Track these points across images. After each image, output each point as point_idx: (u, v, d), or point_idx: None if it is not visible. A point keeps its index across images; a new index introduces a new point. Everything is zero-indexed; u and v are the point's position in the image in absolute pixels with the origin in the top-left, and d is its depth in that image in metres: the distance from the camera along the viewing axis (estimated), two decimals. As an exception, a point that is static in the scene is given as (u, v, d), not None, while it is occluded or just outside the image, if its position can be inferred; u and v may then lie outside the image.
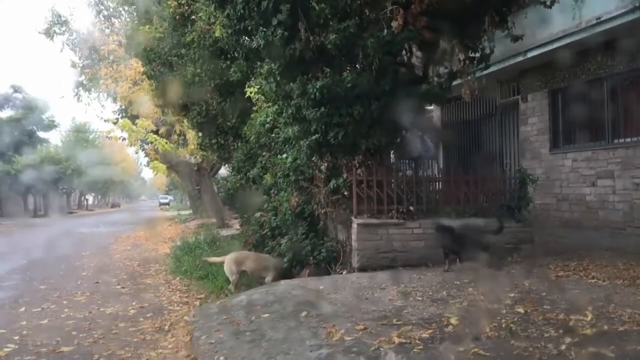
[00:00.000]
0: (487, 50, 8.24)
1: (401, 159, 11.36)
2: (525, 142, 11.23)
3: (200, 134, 17.94)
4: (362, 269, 7.81)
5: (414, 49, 7.58)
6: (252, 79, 11.51)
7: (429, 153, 11.40)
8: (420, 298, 5.75)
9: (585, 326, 4.37)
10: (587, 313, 4.67)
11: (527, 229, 8.52)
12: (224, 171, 27.82)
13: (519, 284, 6.15)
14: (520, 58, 10.28)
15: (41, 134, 44.69)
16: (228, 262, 8.76)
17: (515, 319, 4.64)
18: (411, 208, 8.25)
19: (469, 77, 8.25)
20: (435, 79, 8.59)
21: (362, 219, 8.09)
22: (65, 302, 8.29)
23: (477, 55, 8.23)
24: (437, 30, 7.42)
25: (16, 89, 37.24)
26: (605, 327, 4.33)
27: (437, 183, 9.45)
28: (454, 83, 8.56)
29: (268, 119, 10.92)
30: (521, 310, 4.93)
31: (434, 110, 13.90)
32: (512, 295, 5.60)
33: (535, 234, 8.69)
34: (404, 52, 8.07)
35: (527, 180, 8.77)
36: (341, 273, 8.14)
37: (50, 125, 45.17)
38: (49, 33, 25.75)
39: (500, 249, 7.74)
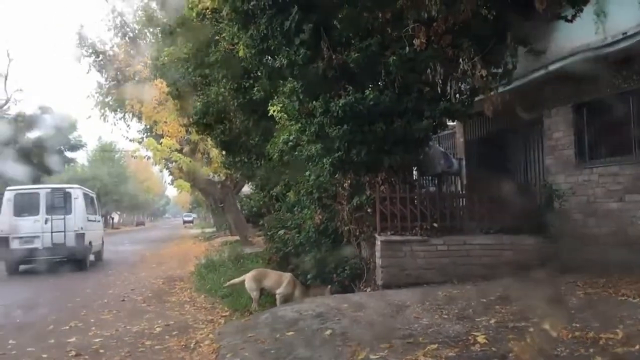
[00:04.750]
0: (510, 66, 8.22)
1: (424, 176, 11.32)
2: (549, 157, 11.11)
3: (224, 152, 18.13)
4: (387, 286, 7.77)
5: (437, 66, 7.59)
6: (275, 97, 11.62)
7: (452, 169, 11.34)
8: (446, 316, 5.70)
9: (616, 344, 4.29)
10: (617, 331, 4.58)
11: (553, 245, 8.40)
12: (247, 189, 28.03)
13: (546, 301, 6.06)
14: (543, 72, 10.21)
15: (68, 154, 45.54)
16: (248, 280, 8.81)
17: (544, 337, 4.57)
18: (435, 225, 8.21)
19: (492, 93, 8.23)
20: (457, 95, 8.58)
21: (385, 236, 8.08)
22: (92, 320, 8.39)
23: (500, 71, 8.22)
24: (459, 47, 7.44)
25: (44, 110, 38.05)
26: (637, 346, 4.24)
27: (460, 199, 9.40)
28: (476, 99, 8.54)
29: (291, 137, 11.00)
30: (549, 328, 4.85)
31: (456, 126, 13.85)
32: (540, 312, 5.52)
33: (562, 251, 8.56)
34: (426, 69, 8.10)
35: (553, 195, 8.67)
36: (365, 290, 8.11)
37: (77, 145, 46.02)
38: (76, 56, 26.39)
39: (527, 266, 7.65)
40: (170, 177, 31.75)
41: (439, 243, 8.04)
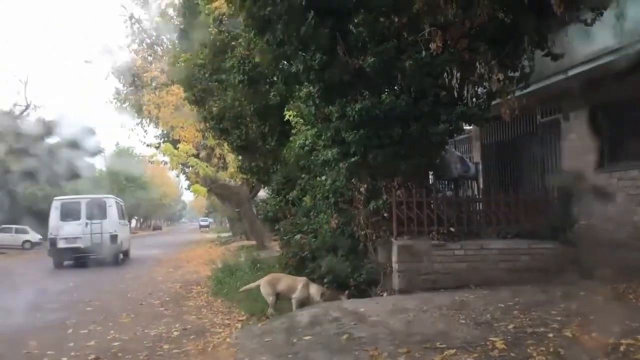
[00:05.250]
0: (527, 70, 8.17)
1: (440, 180, 11.27)
2: (568, 161, 11.01)
3: (240, 157, 18.22)
4: (403, 291, 7.74)
5: (453, 70, 7.57)
6: (291, 102, 11.67)
7: (468, 173, 11.28)
8: (463, 321, 5.67)
9: (637, 351, 4.24)
10: (638, 337, 4.53)
11: (571, 250, 8.32)
12: (262, 193, 28.11)
13: (565, 307, 6.00)
14: (562, 76, 10.13)
15: (87, 159, 46.00)
16: (263, 285, 8.75)
17: (564, 343, 4.53)
18: (452, 229, 8.17)
19: (509, 97, 8.18)
20: (474, 99, 8.55)
21: (402, 240, 8.06)
22: (110, 323, 8.46)
23: (517, 74, 8.18)
24: (475, 51, 7.42)
25: (64, 116, 38.64)
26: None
27: (477, 203, 9.34)
28: (493, 102, 8.50)
29: (307, 142, 11.02)
30: (569, 334, 4.81)
31: (472, 130, 13.79)
32: (559, 318, 5.47)
33: (581, 256, 8.47)
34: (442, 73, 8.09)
35: (571, 200, 8.58)
36: (382, 295, 8.09)
37: (96, 151, 46.48)
38: (94, 62, 26.70)
39: (545, 271, 7.59)
40: (187, 181, 31.98)
41: (456, 248, 7.99)
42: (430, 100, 7.78)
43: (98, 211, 19.60)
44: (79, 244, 19.00)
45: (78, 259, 19.25)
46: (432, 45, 7.17)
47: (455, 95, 8.30)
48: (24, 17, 73.51)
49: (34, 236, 35.57)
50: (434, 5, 7.04)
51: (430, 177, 10.15)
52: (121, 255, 20.86)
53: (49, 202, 20.47)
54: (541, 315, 5.71)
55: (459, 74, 8.19)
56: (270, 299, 8.59)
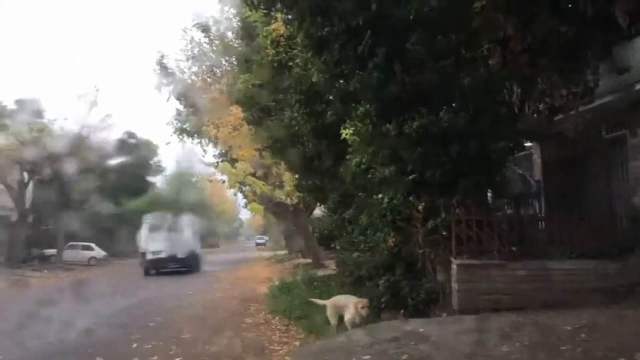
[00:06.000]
0: (591, 84, 7.95)
1: (501, 198, 11.04)
2: (635, 178, 10.58)
3: (296, 175, 18.37)
4: (463, 311, 7.58)
5: (513, 86, 7.45)
6: (348, 121, 11.71)
7: (530, 191, 11.00)
8: (527, 343, 5.50)
9: None
10: None
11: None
12: (318, 212, 28.18)
13: (635, 331, 5.74)
14: (628, 91, 9.79)
15: (149, 178, 47.42)
16: (329, 306, 8.61)
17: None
18: (513, 249, 7.97)
19: (572, 112, 7.98)
20: (535, 115, 8.37)
21: (461, 259, 7.91)
22: (173, 339, 8.64)
23: (580, 89, 7.96)
24: (536, 66, 7.28)
25: (130, 135, 40.00)
26: None
27: (540, 222, 9.08)
28: (555, 118, 8.29)
29: (363, 160, 11.00)
30: (641, 359, 4.59)
31: (533, 147, 13.45)
32: (629, 342, 5.23)
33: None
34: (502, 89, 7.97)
35: (638, 218, 8.22)
36: (441, 315, 7.94)
37: (158, 170, 47.88)
38: (157, 85, 27.59)
39: (612, 292, 7.28)
40: (244, 200, 32.45)
41: (518, 268, 7.78)
42: (489, 117, 7.68)
43: (179, 228, 24.29)
44: (163, 256, 23.38)
45: (162, 268, 23.37)
46: (492, 62, 7.11)
47: (516, 111, 8.15)
48: (88, 42, 77.13)
49: (99, 253, 36.89)
50: (493, 21, 6.98)
51: (490, 195, 9.95)
52: (196, 266, 24.94)
53: (113, 220, 23.27)
54: (610, 339, 5.47)
55: (519, 90, 8.04)
56: (333, 321, 8.43)
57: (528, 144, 11.81)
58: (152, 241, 23.81)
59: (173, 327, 9.86)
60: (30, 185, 33.22)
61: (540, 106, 8.25)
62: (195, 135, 28.61)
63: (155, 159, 45.92)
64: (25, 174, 31.77)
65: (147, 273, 23.70)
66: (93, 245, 37.12)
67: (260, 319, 10.71)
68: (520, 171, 11.31)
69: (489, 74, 7.28)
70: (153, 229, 24.49)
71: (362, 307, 7.99)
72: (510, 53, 7.16)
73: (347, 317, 8.13)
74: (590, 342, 5.43)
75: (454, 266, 7.88)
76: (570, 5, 6.99)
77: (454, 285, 7.82)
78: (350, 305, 8.26)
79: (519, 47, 7.08)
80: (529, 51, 7.18)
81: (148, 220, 24.70)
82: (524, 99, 8.16)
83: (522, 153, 12.99)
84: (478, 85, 7.40)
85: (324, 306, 8.77)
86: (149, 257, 23.69)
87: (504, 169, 9.11)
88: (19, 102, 31.60)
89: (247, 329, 9.62)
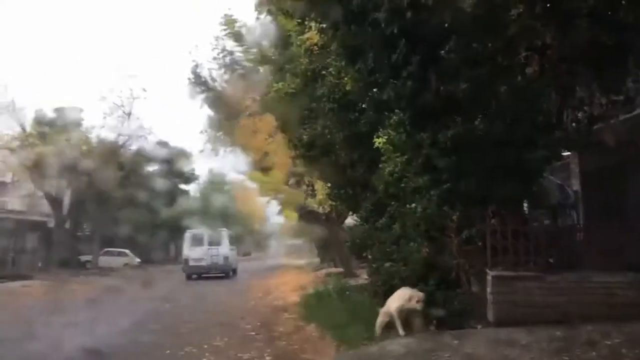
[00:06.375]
0: (632, 93, 7.75)
1: (537, 208, 10.83)
2: (679, 189, 10.26)
3: (329, 184, 18.36)
4: (498, 323, 7.44)
5: (551, 95, 7.31)
6: (381, 129, 11.67)
7: (567, 201, 10.77)
8: (567, 358, 5.37)
9: None
10: None
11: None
12: (350, 220, 28.10)
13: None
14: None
15: (183, 186, 48.04)
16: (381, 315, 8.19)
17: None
18: (550, 260, 7.80)
19: (612, 121, 7.79)
20: (573, 124, 8.19)
21: (497, 271, 7.77)
22: (205, 346, 8.68)
23: (621, 98, 7.77)
24: (575, 74, 7.13)
25: (163, 144, 40.62)
26: None
27: (578, 233, 8.87)
28: (595, 127, 8.11)
29: (396, 169, 10.93)
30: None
31: (571, 156, 13.17)
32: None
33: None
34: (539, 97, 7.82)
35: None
36: (476, 327, 7.80)
37: (191, 178, 48.48)
38: (191, 93, 27.94)
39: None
40: (276, 208, 32.67)
41: (556, 279, 7.61)
42: (526, 125, 7.55)
43: (216, 240, 27.86)
44: (203, 263, 27.08)
45: (202, 273, 26.83)
46: (529, 70, 6.99)
47: (554, 120, 7.99)
48: (124, 51, 78.75)
49: (133, 259, 37.50)
50: (530, 29, 6.86)
51: (526, 205, 9.77)
52: (231, 272, 28.69)
53: (146, 227, 23.84)
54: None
55: (557, 99, 7.89)
56: (380, 318, 8.04)
57: (566, 153, 11.57)
58: (194, 250, 27.45)
59: (206, 333, 9.91)
60: (68, 192, 34.01)
61: (579, 115, 8.07)
62: (229, 144, 28.88)
63: (189, 167, 46.49)
64: (63, 181, 32.53)
65: (189, 278, 26.80)
66: (127, 251, 37.79)
67: (292, 328, 10.67)
68: (557, 181, 11.09)
69: (526, 82, 7.16)
70: (195, 239, 27.98)
71: (417, 301, 7.64)
72: (548, 61, 7.03)
73: (396, 304, 7.79)
74: (631, 357, 5.27)
75: (489, 277, 7.75)
76: (610, 12, 6.84)
77: (489, 297, 7.68)
78: (405, 295, 7.91)
79: (557, 55, 6.96)
80: (567, 59, 7.04)
81: (190, 233, 28.49)
82: (562, 108, 7.99)
83: (560, 162, 12.74)
84: (515, 93, 7.28)
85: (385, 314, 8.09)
86: (191, 263, 27.28)
87: (541, 179, 8.94)
88: (58, 110, 32.44)
89: (279, 337, 9.61)
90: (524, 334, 6.64)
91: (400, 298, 7.89)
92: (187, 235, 28.63)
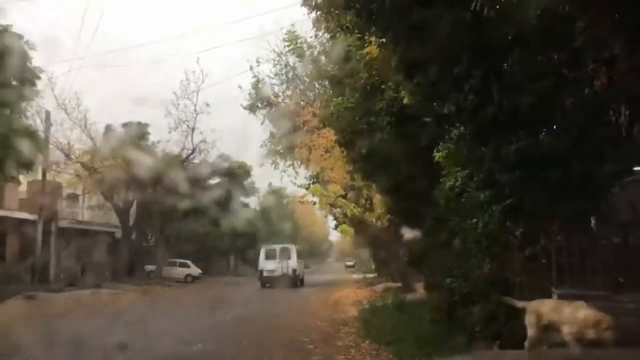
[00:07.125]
0: None
1: (606, 225, 10.40)
2: None
3: (387, 198, 18.28)
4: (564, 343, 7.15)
5: (620, 107, 7.05)
6: (441, 143, 11.55)
7: (639, 219, 10.28)
8: (638, 383, 5.11)
9: None
10: None
11: None
12: (409, 235, 27.80)
13: None
14: None
15: (243, 199, 48.79)
16: (531, 310, 6.85)
17: None
18: (620, 280, 7.47)
19: (686, 134, 7.43)
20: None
21: (562, 289, 7.49)
22: (265, 358, 8.76)
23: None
24: (645, 85, 6.86)
25: (224, 158, 41.39)
26: None
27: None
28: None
29: (457, 183, 10.77)
30: None
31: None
32: None
33: None
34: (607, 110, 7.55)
35: None
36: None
37: (251, 191, 49.20)
38: (252, 108, 28.51)
39: None
40: (334, 222, 32.78)
41: (626, 300, 7.27)
42: (594, 139, 7.31)
43: (286, 254, 32.03)
44: (275, 274, 30.82)
45: (274, 284, 29.79)
46: (596, 82, 6.76)
47: (623, 133, 7.69)
48: (183, 67, 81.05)
49: (194, 270, 38.35)
50: (598, 39, 6.65)
51: (594, 222, 9.41)
52: (299, 283, 32.53)
53: (208, 239, 24.69)
54: None
55: (627, 111, 7.59)
56: (531, 332, 6.77)
57: (637, 168, 11.07)
58: (267, 263, 31.77)
59: (265, 345, 10.02)
60: (134, 203, 35.20)
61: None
62: (288, 157, 29.24)
63: (249, 180, 47.17)
64: (130, 193, 33.69)
65: (263, 286, 30.95)
66: (189, 262, 38.66)
67: (350, 342, 10.63)
68: (629, 197, 10.62)
69: (593, 95, 6.94)
70: (268, 253, 32.31)
71: (605, 328, 5.88)
72: (616, 72, 6.78)
73: (569, 330, 6.14)
74: None
75: (554, 296, 7.48)
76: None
77: (555, 316, 7.40)
78: (576, 316, 6.17)
79: (626, 66, 6.70)
80: (637, 70, 6.78)
81: (264, 248, 33.07)
82: (632, 120, 7.68)
83: (631, 178, 12.19)
84: (581, 106, 7.07)
85: (523, 309, 6.92)
86: (265, 274, 31.57)
87: (610, 195, 8.61)
88: (125, 125, 33.68)
89: (337, 352, 9.56)
90: (592, 355, 6.36)
91: (577, 321, 6.15)
92: (262, 249, 33.02)
